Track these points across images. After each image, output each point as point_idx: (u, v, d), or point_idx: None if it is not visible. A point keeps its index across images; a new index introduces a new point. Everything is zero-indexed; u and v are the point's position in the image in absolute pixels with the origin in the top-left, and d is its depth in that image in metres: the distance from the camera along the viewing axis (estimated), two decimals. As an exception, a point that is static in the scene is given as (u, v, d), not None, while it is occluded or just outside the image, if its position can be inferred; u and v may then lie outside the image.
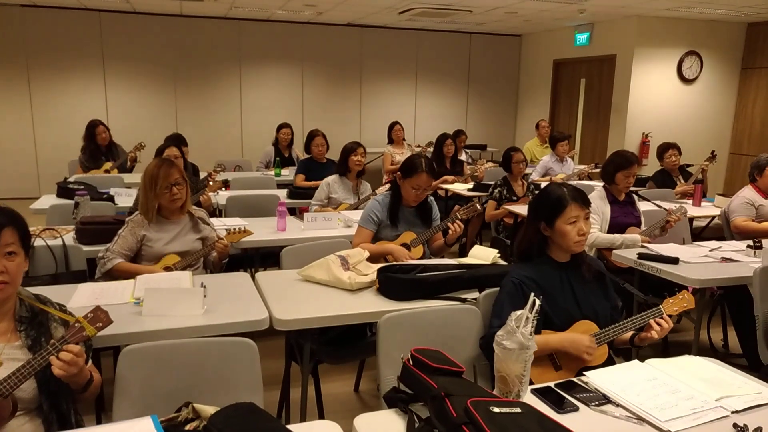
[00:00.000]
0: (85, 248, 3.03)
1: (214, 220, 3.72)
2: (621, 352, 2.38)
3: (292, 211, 5.12)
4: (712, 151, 6.08)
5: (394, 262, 2.83)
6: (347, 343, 2.71)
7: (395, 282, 2.50)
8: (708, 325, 4.21)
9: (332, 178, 4.41)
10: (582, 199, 2.17)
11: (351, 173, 4.41)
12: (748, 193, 4.36)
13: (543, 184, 5.79)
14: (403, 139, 7.83)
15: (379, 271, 2.58)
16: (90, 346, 1.73)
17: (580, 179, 6.52)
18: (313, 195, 4.41)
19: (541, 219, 2.18)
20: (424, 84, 10.08)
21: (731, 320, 3.99)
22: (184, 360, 1.78)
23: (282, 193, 4.94)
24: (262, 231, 3.56)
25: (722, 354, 4.06)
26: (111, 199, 4.30)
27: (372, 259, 2.97)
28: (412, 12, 7.85)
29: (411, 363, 1.68)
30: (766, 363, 2.78)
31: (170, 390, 1.74)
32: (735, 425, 1.60)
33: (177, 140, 4.68)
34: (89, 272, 2.90)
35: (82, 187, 4.27)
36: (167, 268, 2.77)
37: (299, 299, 2.44)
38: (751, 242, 3.56)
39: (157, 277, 2.44)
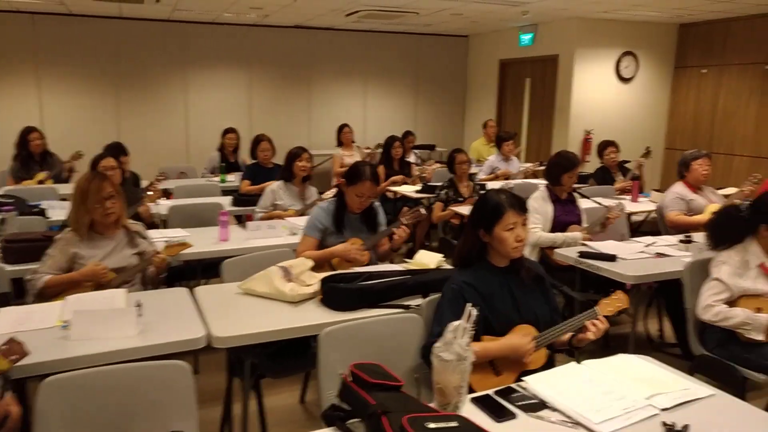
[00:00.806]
0: (10, 268, 2.89)
1: (154, 232, 3.63)
2: (565, 351, 2.42)
3: (239, 218, 5.05)
4: (647, 148, 6.28)
5: (338, 271, 2.82)
6: (291, 356, 2.68)
7: (338, 292, 2.49)
8: (645, 317, 4.36)
9: (277, 184, 4.36)
10: (519, 205, 2.20)
11: (296, 179, 4.36)
12: (679, 188, 4.52)
13: (489, 184, 5.89)
14: (353, 142, 7.82)
15: (323, 281, 2.57)
16: (7, 379, 1.65)
17: (525, 177, 6.65)
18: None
19: (479, 226, 2.21)
20: (373, 85, 10.09)
21: (666, 312, 4.15)
22: (112, 388, 1.71)
23: (227, 201, 4.85)
24: (204, 241, 3.49)
25: (658, 344, 4.21)
26: (42, 212, 4.11)
27: (318, 266, 2.96)
28: (359, 14, 7.84)
29: (349, 379, 1.68)
30: (697, 354, 2.89)
31: (96, 423, 1.66)
32: (664, 423, 1.66)
33: (115, 150, 4.53)
34: (15, 293, 2.77)
35: (11, 200, 4.07)
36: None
37: (239, 314, 2.40)
38: (682, 237, 3.69)
39: (87, 297, 2.35)
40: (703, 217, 4.33)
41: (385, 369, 1.74)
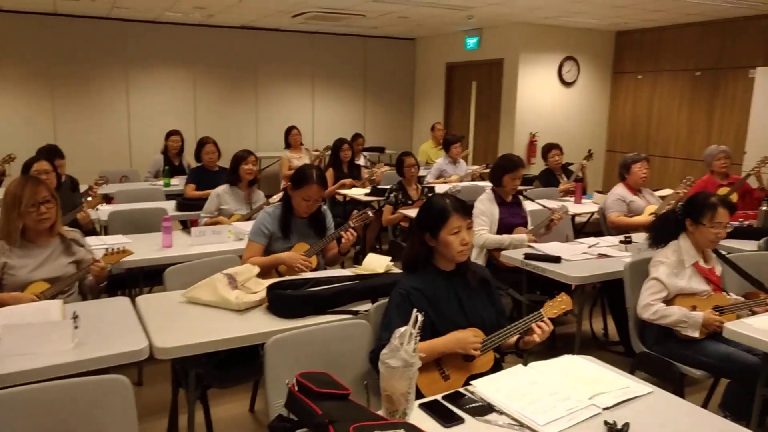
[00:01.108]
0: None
1: (93, 239, 3.51)
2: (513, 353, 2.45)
3: (184, 224, 4.93)
4: (589, 150, 6.47)
5: (285, 278, 2.78)
6: (239, 365, 2.62)
7: (285, 299, 2.45)
8: (590, 316, 4.48)
9: (222, 188, 4.27)
10: (464, 209, 2.22)
11: (242, 182, 4.29)
12: (619, 190, 4.67)
13: (437, 187, 5.94)
14: (301, 144, 7.75)
15: (269, 288, 2.52)
16: None
17: (472, 180, 6.74)
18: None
19: (425, 230, 2.22)
20: (321, 87, 10.03)
21: (610, 311, 4.27)
22: (47, 406, 1.61)
23: (170, 205, 4.72)
24: (146, 248, 3.38)
25: (603, 342, 4.33)
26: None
27: (265, 272, 2.91)
28: (306, 15, 7.78)
29: (296, 388, 1.65)
30: (638, 351, 2.98)
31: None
32: (605, 422, 1.70)
33: (49, 153, 4.33)
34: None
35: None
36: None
37: (183, 323, 2.33)
38: (623, 237, 3.81)
39: (20, 310, 2.22)
40: (643, 218, 4.49)
41: (332, 377, 1.72)
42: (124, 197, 4.89)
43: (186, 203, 4.77)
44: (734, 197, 5.07)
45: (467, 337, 2.09)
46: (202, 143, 5.38)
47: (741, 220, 4.47)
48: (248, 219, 4.12)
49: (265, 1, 6.87)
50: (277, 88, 9.69)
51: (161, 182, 5.84)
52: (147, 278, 3.56)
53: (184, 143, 6.46)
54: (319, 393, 1.60)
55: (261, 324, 2.36)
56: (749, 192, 5.17)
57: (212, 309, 2.48)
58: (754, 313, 2.73)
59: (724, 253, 3.14)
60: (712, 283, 2.91)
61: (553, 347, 4.12)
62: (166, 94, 8.93)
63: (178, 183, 5.81)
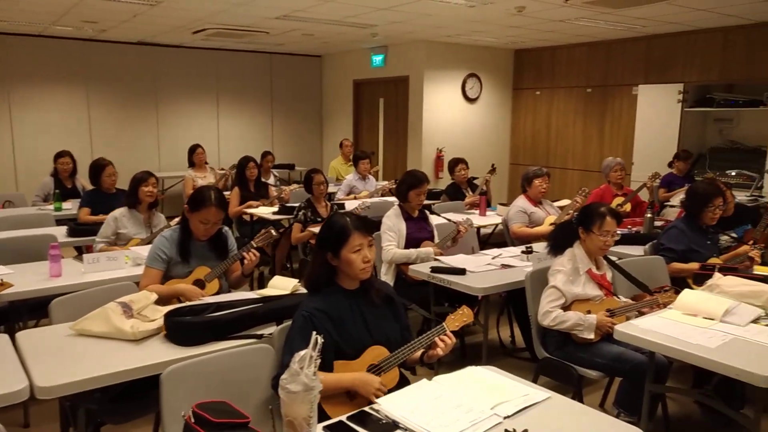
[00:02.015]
0: None
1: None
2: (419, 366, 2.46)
3: (79, 250, 4.63)
4: (492, 165, 6.70)
5: (185, 303, 2.67)
6: (137, 397, 2.48)
7: (184, 326, 2.35)
8: (498, 325, 4.61)
9: (120, 212, 4.05)
10: (365, 227, 2.22)
11: (142, 205, 4.10)
12: (521, 202, 4.86)
13: (347, 204, 5.94)
14: (206, 163, 7.55)
15: (166, 315, 2.41)
16: None
17: (383, 195, 6.80)
18: (101, 231, 4.01)
19: (327, 249, 2.20)
20: (226, 105, 9.82)
21: (516, 319, 4.41)
22: None
23: (61, 231, 4.42)
24: (31, 279, 3.13)
25: (511, 350, 4.46)
26: None
27: (164, 301, 2.78)
28: (207, 32, 7.61)
29: (192, 420, 1.57)
30: (541, 357, 3.09)
31: None
32: (506, 431, 1.73)
33: None
34: None
35: None
36: None
37: (71, 358, 2.17)
38: (524, 248, 3.95)
39: None
40: (543, 228, 4.69)
41: (231, 406, 1.66)
42: (6, 224, 4.51)
43: (79, 228, 4.48)
44: (627, 207, 5.43)
45: (373, 383, 2.06)
46: (101, 166, 5.03)
47: (630, 227, 4.77)
48: (148, 243, 3.93)
49: (162, 17, 6.66)
50: (180, 105, 9.40)
51: (51, 206, 5.47)
52: (33, 311, 3.30)
53: (77, 164, 6.08)
54: (217, 423, 1.53)
55: (159, 353, 2.25)
56: (640, 204, 5.54)
57: (106, 341, 2.33)
58: (641, 314, 2.90)
59: (614, 259, 3.33)
60: (604, 288, 3.08)
61: (463, 357, 4.20)
62: (56, 112, 8.43)
63: (70, 207, 5.45)
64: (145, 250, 3.46)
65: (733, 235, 4.02)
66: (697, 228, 3.72)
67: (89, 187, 5.26)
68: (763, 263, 3.67)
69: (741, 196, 5.92)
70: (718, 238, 3.90)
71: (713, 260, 3.58)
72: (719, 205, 3.66)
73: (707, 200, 3.65)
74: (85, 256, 3.38)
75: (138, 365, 2.14)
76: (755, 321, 2.60)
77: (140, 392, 2.45)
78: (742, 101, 6.77)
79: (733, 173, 6.74)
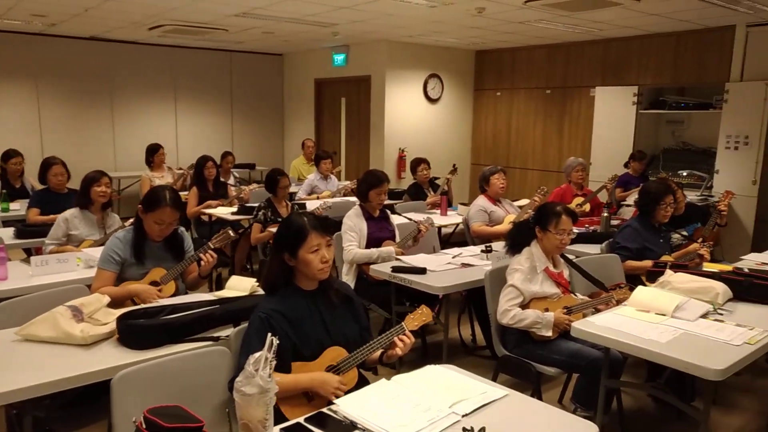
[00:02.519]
0: None
1: None
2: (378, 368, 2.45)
3: (29, 252, 4.47)
4: (454, 165, 6.75)
5: (139, 306, 2.60)
6: (88, 403, 2.40)
7: (137, 329, 2.29)
8: (458, 323, 4.64)
9: (71, 212, 3.92)
10: (322, 227, 2.20)
11: (95, 205, 3.98)
12: (481, 201, 4.91)
13: (308, 203, 5.90)
14: (164, 162, 7.40)
15: (119, 318, 2.34)
16: None
17: (345, 195, 6.77)
18: (51, 232, 3.88)
19: (284, 250, 2.17)
20: (184, 103, 9.63)
21: (476, 318, 4.45)
22: None
23: (8, 233, 4.26)
24: (-25, 283, 3.02)
25: (472, 348, 4.49)
26: None
27: (117, 303, 2.70)
28: (164, 29, 7.45)
29: (143, 426, 1.53)
30: (500, 355, 3.12)
31: None
32: (464, 429, 1.74)
33: None
34: None
35: None
36: None
37: (16, 364, 2.10)
38: (483, 247, 3.99)
39: None
40: (503, 227, 4.74)
41: (185, 410, 1.62)
42: (-50, 226, 4.35)
43: (28, 230, 4.33)
44: (587, 207, 5.54)
45: (332, 382, 2.05)
46: (48, 165, 4.89)
47: (587, 226, 4.86)
48: (102, 245, 3.82)
49: (115, 12, 6.48)
50: (136, 103, 9.18)
51: (-2, 207, 5.28)
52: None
53: (25, 164, 5.88)
54: (169, 428, 1.49)
55: (111, 358, 2.18)
56: (599, 205, 5.66)
57: (53, 346, 2.25)
58: (598, 311, 2.96)
59: (572, 257, 3.39)
60: (562, 286, 3.13)
61: (424, 356, 4.21)
62: (3, 109, 8.12)
63: (19, 207, 5.27)
64: (97, 252, 3.36)
65: (684, 233, 4.14)
66: (650, 226, 3.82)
67: (39, 186, 5.09)
68: (712, 260, 3.79)
69: (692, 196, 6.10)
70: (670, 236, 4.01)
71: (665, 258, 3.68)
72: (670, 203, 3.77)
73: (659, 198, 3.76)
74: (33, 258, 3.27)
75: (88, 370, 2.08)
76: (704, 316, 2.69)
77: (92, 399, 2.38)
78: (692, 104, 6.98)
79: (685, 173, 6.94)
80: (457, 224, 5.59)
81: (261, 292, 2.86)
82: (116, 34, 8.20)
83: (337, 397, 1.99)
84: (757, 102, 6.23)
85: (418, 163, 6.44)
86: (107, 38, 8.56)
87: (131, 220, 3.78)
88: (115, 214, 4.16)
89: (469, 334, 4.61)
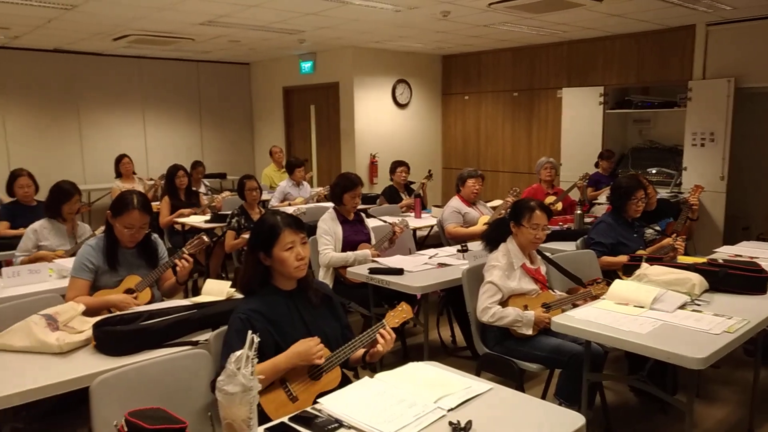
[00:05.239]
0: None
1: None
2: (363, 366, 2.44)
3: (-2, 265, 4.36)
4: (429, 171, 6.80)
5: (115, 313, 2.54)
6: (67, 412, 2.34)
7: (113, 336, 2.24)
8: (438, 324, 4.64)
9: (40, 224, 3.84)
10: (296, 224, 2.19)
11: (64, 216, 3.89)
12: (455, 202, 4.94)
13: (282, 210, 5.85)
14: (134, 173, 7.29)
15: (95, 326, 2.29)
16: None
17: (318, 201, 6.75)
18: (19, 245, 3.79)
19: (259, 249, 2.15)
20: (152, 114, 9.50)
21: (455, 318, 4.46)
22: None
23: (-24, 247, 4.16)
24: (-59, 297, 2.92)
25: (452, 349, 4.50)
26: None
27: (93, 312, 2.64)
28: (129, 39, 7.34)
29: (125, 429, 1.49)
30: (482, 353, 3.13)
31: None
32: (450, 423, 1.73)
33: None
34: None
35: None
36: None
37: (-10, 375, 2.04)
38: (459, 246, 4.01)
39: None
40: (477, 227, 4.77)
41: (167, 412, 1.58)
42: None
43: (-4, 243, 4.23)
44: (559, 206, 5.61)
45: (309, 348, 2.04)
46: (14, 176, 4.82)
47: (561, 224, 4.92)
48: (73, 255, 3.74)
49: (78, 23, 6.36)
50: (104, 115, 9.02)
51: (-35, 222, 5.12)
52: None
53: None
54: (152, 430, 1.46)
55: (88, 365, 2.14)
56: (571, 203, 5.74)
57: (29, 355, 2.19)
58: (576, 306, 2.98)
59: (547, 254, 3.42)
60: (540, 282, 3.15)
61: (405, 357, 4.20)
62: (-34, 124, 7.93)
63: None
64: (70, 263, 3.29)
65: (657, 228, 4.22)
66: (623, 221, 3.88)
67: (7, 200, 4.98)
68: (685, 254, 3.87)
69: (662, 193, 6.23)
70: (644, 231, 4.08)
71: (640, 252, 3.74)
72: (641, 197, 3.84)
73: (630, 193, 3.83)
74: (4, 269, 3.19)
75: (65, 378, 2.03)
76: (682, 307, 2.72)
77: (70, 408, 2.32)
78: (657, 102, 7.14)
79: (654, 171, 7.08)
80: (432, 226, 5.61)
81: (238, 296, 2.84)
82: (81, 46, 8.06)
83: (320, 358, 2.01)
84: (720, 99, 6.39)
85: (397, 165, 6.46)
86: (72, 50, 8.41)
87: (102, 228, 3.72)
88: (84, 224, 4.08)
89: (449, 335, 4.62)
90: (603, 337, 2.47)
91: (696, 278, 2.91)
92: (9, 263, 4.02)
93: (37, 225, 3.82)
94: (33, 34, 7.01)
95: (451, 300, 4.33)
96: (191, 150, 9.77)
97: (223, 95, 10.21)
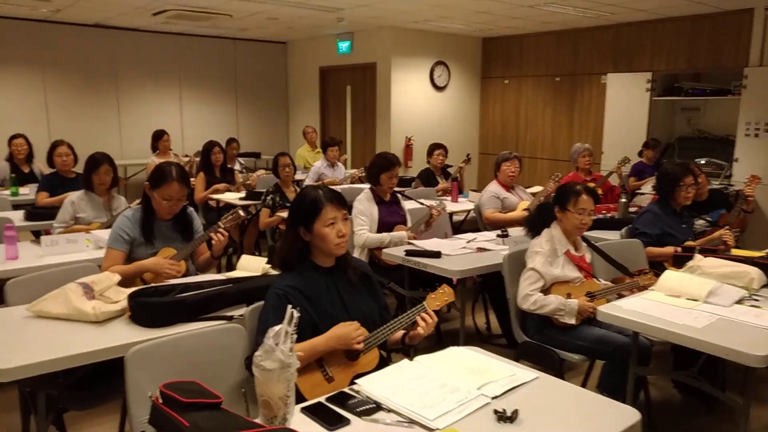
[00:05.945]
0: None
1: None
2: (399, 350, 2.37)
3: (38, 235, 4.41)
4: (467, 155, 6.66)
5: (151, 284, 2.51)
6: (100, 383, 2.32)
7: (149, 307, 2.21)
8: (473, 311, 4.55)
9: (77, 195, 3.84)
10: (338, 200, 2.11)
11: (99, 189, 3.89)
12: (493, 187, 4.81)
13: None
14: (170, 149, 7.32)
15: (130, 296, 2.26)
16: None
17: (352, 183, 6.68)
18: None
19: (299, 224, 2.08)
20: (189, 91, 9.54)
21: (491, 305, 4.36)
22: None
23: (18, 215, 4.20)
24: (-14, 262, 2.94)
25: (486, 336, 4.41)
26: None
27: (127, 282, 2.62)
28: (167, 14, 7.33)
29: (160, 401, 1.44)
30: (521, 341, 3.03)
31: None
32: (495, 411, 1.65)
33: None
34: None
35: None
36: None
37: (28, 340, 2.03)
38: (499, 231, 3.89)
39: None
40: (516, 213, 4.64)
41: (202, 386, 1.53)
42: (-43, 209, 4.28)
43: (37, 212, 4.27)
44: (598, 192, 5.42)
45: (349, 332, 1.97)
46: (54, 146, 4.86)
47: (604, 212, 4.76)
48: (108, 227, 3.74)
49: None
50: (141, 91, 9.09)
51: (7, 191, 5.21)
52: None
53: (33, 148, 5.82)
54: (187, 404, 1.40)
55: (123, 335, 2.11)
56: (611, 189, 5.55)
57: (66, 323, 2.18)
58: (622, 296, 2.86)
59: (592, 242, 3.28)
60: (584, 270, 3.02)
61: (438, 343, 4.12)
62: (10, 96, 8.05)
63: (28, 192, 5.22)
64: (106, 234, 3.28)
65: (708, 218, 4.03)
66: (671, 211, 3.71)
67: (48, 171, 5.04)
68: (737, 247, 3.68)
69: (712, 185, 5.97)
70: (693, 222, 3.90)
71: (689, 243, 3.57)
72: (690, 184, 3.64)
73: (677, 179, 3.64)
74: (43, 237, 3.20)
75: (101, 347, 2.01)
76: (739, 302, 2.57)
77: (104, 379, 2.30)
78: (709, 90, 6.84)
79: (702, 161, 6.79)
80: (468, 211, 5.49)
81: (273, 272, 2.78)
82: (120, 21, 8.10)
83: (359, 344, 1.95)
84: (777, 87, 6.09)
85: (435, 147, 6.33)
86: (112, 25, 8.47)
87: (138, 201, 3.70)
88: (120, 196, 4.08)
89: (484, 323, 4.52)
90: (654, 330, 2.34)
91: (755, 272, 2.75)
92: (48, 233, 4.07)
93: (74, 196, 3.83)
94: (74, 7, 7.06)
95: (488, 286, 4.22)
96: (226, 128, 9.79)
97: (259, 74, 10.18)
